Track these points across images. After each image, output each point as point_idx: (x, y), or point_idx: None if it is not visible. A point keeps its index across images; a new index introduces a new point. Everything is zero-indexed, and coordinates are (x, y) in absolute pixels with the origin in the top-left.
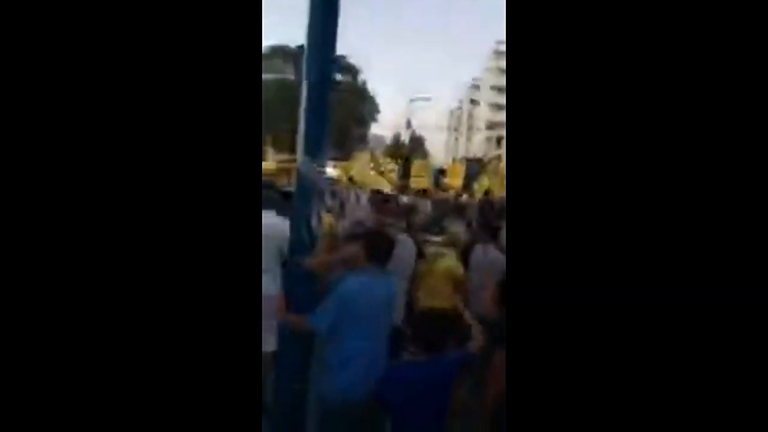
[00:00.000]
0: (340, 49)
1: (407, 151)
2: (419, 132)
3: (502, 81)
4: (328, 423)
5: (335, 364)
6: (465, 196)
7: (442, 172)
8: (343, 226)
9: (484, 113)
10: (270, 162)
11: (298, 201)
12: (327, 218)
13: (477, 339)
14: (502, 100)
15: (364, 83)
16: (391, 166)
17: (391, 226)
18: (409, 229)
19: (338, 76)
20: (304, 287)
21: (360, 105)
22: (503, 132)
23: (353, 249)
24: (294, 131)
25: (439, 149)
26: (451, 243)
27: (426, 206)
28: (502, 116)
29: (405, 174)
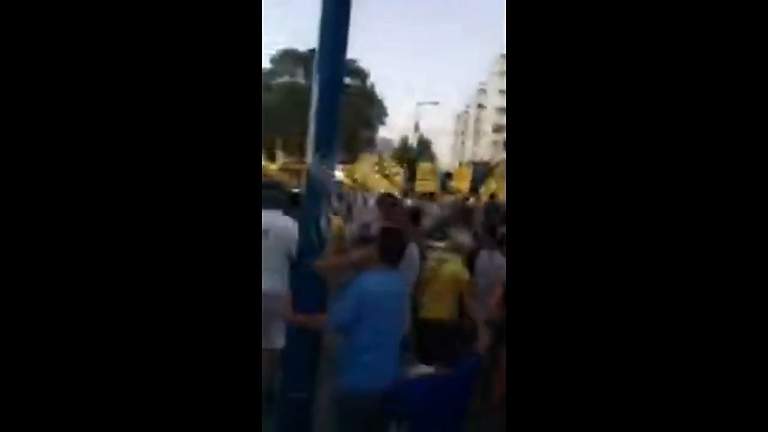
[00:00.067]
0: (349, 52)
1: (414, 155)
2: (427, 135)
3: None
4: (342, 417)
5: (351, 359)
6: (472, 200)
7: (449, 175)
8: (351, 229)
9: (491, 117)
10: (279, 163)
11: (308, 202)
12: (336, 220)
13: (483, 343)
14: None
15: (372, 86)
16: (397, 169)
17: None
18: (414, 235)
19: (347, 80)
20: (313, 288)
21: (368, 108)
22: None
23: (362, 253)
24: (304, 134)
25: (446, 153)
26: (456, 249)
27: (433, 209)
28: None
29: (411, 177)
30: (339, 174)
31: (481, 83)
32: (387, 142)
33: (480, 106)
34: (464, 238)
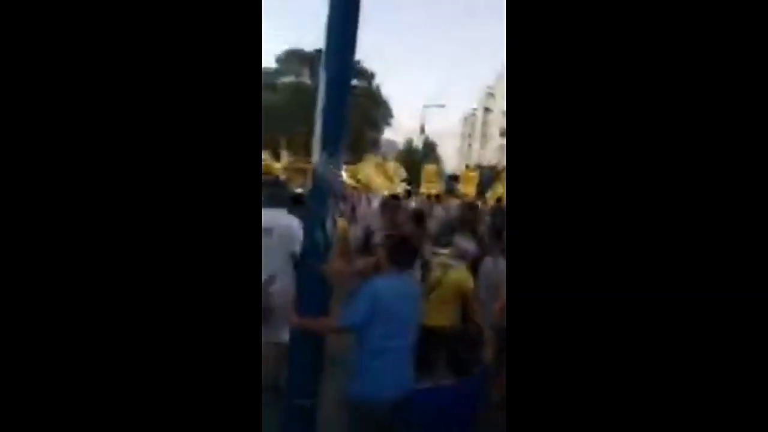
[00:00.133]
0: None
1: (419, 157)
2: (432, 138)
3: None
4: (352, 425)
5: (361, 365)
6: (479, 203)
7: (455, 178)
8: (355, 231)
9: (498, 120)
10: (284, 162)
11: (314, 202)
12: (340, 222)
13: (489, 349)
14: None
15: (378, 87)
16: (400, 171)
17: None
18: (418, 238)
19: (353, 80)
20: (317, 289)
21: (373, 109)
22: None
23: (367, 261)
24: (309, 134)
25: (452, 155)
26: (461, 255)
27: (437, 212)
28: None
29: (415, 179)
30: (342, 174)
31: (488, 87)
32: (392, 143)
33: (487, 109)
34: (469, 244)
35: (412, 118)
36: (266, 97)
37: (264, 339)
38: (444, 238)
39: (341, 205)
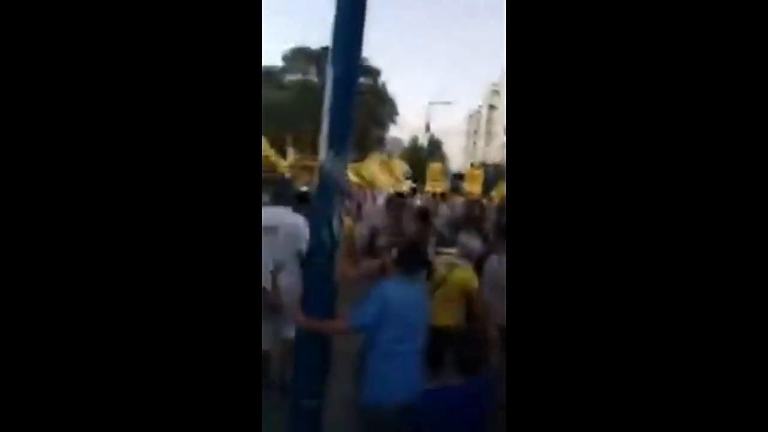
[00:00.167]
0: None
1: (425, 155)
2: (438, 135)
3: None
4: (364, 425)
5: (370, 369)
6: (484, 201)
7: (460, 176)
8: (361, 230)
9: (502, 118)
10: (290, 160)
11: (320, 201)
12: (347, 221)
13: (497, 348)
14: None
15: (383, 85)
16: (405, 168)
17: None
18: (424, 236)
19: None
20: (323, 289)
21: (379, 107)
22: None
23: (373, 264)
24: (316, 131)
25: (457, 153)
26: (466, 254)
27: (443, 210)
28: None
29: (420, 177)
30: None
31: (493, 84)
32: (397, 141)
33: (492, 107)
34: (475, 242)
35: (417, 116)
36: (273, 95)
37: (271, 335)
38: (449, 236)
39: (347, 203)
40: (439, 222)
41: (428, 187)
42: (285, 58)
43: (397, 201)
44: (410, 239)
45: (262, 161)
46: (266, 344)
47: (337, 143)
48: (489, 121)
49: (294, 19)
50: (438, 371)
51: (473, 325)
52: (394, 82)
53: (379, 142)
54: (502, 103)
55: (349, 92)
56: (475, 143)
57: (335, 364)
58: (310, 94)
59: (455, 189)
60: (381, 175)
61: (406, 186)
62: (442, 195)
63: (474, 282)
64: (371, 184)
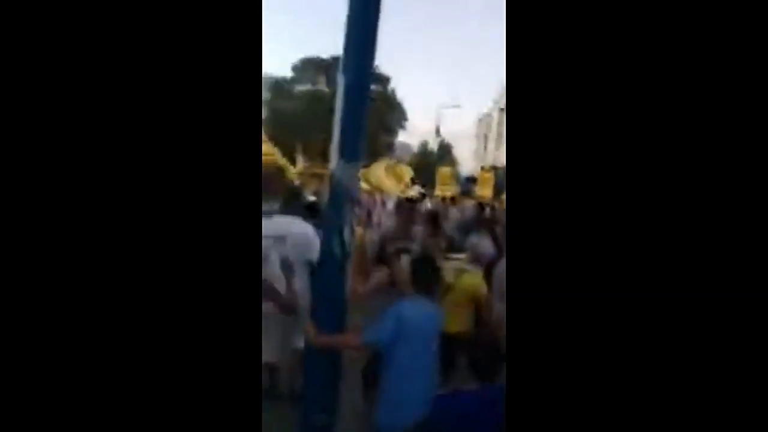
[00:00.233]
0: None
1: (435, 159)
2: (448, 139)
3: None
4: None
5: (383, 391)
6: (495, 204)
7: (473, 180)
8: (371, 237)
9: None
10: (300, 167)
11: (331, 209)
12: (357, 230)
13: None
14: None
15: (393, 91)
16: (413, 173)
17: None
18: (434, 241)
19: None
20: (334, 300)
21: (388, 112)
22: None
23: (381, 277)
24: (326, 140)
25: (467, 157)
26: (476, 260)
27: (454, 213)
28: None
29: (430, 181)
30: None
31: (503, 87)
32: (406, 146)
33: (502, 109)
34: (485, 245)
35: (426, 120)
36: (283, 104)
37: (279, 345)
38: (459, 239)
39: (357, 210)
40: (449, 226)
41: (438, 191)
42: (295, 68)
43: (406, 206)
44: (422, 249)
45: (273, 167)
46: (275, 354)
47: (348, 151)
48: (499, 123)
49: (303, 29)
50: (449, 376)
51: (483, 330)
52: (401, 87)
53: (389, 148)
54: None
55: (361, 100)
56: (485, 146)
57: (345, 376)
58: (319, 103)
59: (466, 192)
60: (387, 180)
61: (414, 191)
62: (452, 199)
63: (483, 288)
64: (378, 189)
